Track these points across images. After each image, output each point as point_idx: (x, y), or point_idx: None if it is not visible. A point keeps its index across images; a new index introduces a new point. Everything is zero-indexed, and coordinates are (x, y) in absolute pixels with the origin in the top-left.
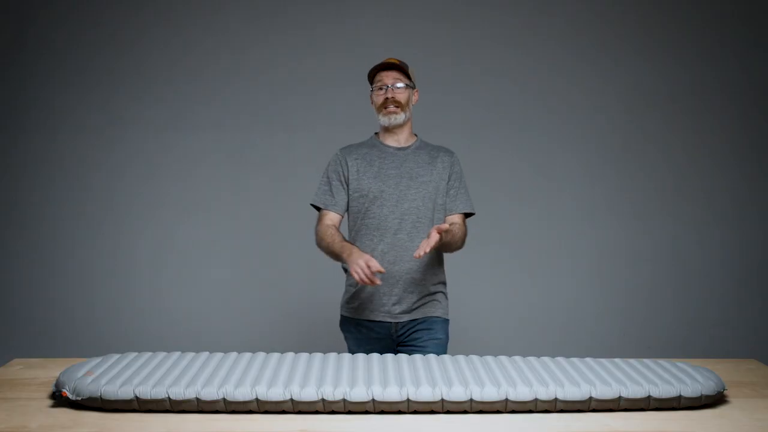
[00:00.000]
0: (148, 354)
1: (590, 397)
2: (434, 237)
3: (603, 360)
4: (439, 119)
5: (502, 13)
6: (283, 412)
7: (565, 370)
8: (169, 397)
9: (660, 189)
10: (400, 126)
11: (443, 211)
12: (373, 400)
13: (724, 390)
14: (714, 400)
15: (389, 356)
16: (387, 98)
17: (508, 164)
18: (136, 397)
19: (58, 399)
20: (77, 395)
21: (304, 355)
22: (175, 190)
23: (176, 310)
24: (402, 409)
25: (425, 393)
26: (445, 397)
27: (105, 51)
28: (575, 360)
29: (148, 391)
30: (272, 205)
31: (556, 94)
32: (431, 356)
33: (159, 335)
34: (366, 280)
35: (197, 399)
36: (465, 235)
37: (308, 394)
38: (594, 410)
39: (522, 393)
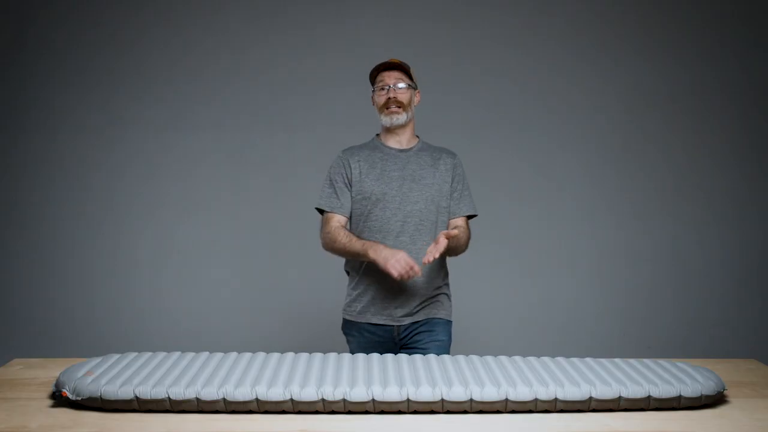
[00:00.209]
0: (148, 354)
1: (590, 397)
2: (443, 242)
3: (603, 360)
4: (439, 119)
5: (502, 13)
6: (283, 412)
7: (565, 370)
8: (169, 397)
9: (660, 189)
10: (402, 127)
11: (446, 213)
12: (373, 400)
13: (724, 390)
14: (714, 400)
15: (389, 356)
16: (389, 98)
17: (508, 164)
18: (136, 397)
19: (58, 399)
20: (77, 395)
21: (304, 355)
22: (175, 190)
23: (176, 310)
24: (402, 409)
25: (425, 393)
26: (445, 397)
27: (105, 51)
28: (575, 360)
29: (148, 391)
30: (272, 205)
31: (556, 94)
32: (431, 356)
33: (159, 335)
34: (406, 276)
35: (197, 399)
36: (469, 238)
37: (308, 394)
38: (594, 410)
39: (522, 393)
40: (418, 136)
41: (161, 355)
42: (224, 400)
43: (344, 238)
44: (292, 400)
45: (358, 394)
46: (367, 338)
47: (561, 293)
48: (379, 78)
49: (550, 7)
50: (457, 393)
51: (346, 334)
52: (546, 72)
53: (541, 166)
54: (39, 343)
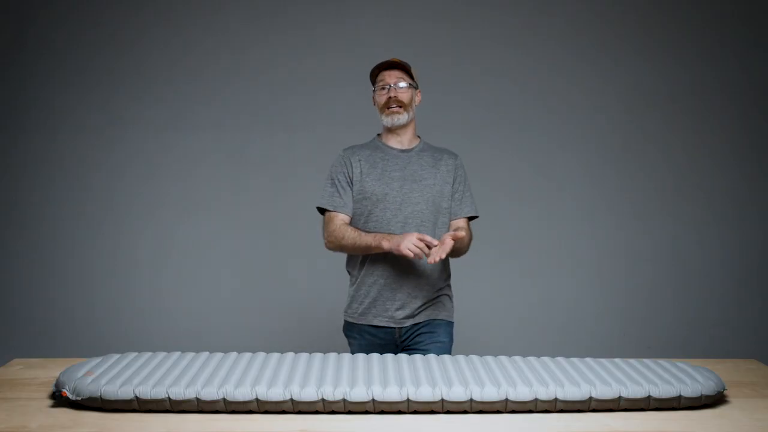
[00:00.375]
0: (148, 354)
1: (590, 397)
2: (449, 243)
3: (603, 360)
4: (439, 119)
5: (502, 13)
6: (283, 412)
7: (565, 370)
8: (169, 397)
9: (660, 189)
10: (403, 126)
11: (447, 214)
12: (373, 400)
13: (724, 390)
14: (714, 400)
15: (389, 356)
16: (390, 98)
17: (508, 164)
18: (136, 397)
19: (58, 399)
20: (77, 395)
21: (304, 355)
22: (175, 190)
23: (176, 310)
24: (402, 409)
25: (425, 393)
26: (445, 397)
27: (105, 51)
28: (575, 360)
29: (148, 391)
30: (272, 205)
31: (556, 94)
32: (431, 356)
33: (159, 335)
34: (421, 254)
35: (197, 399)
36: (471, 239)
37: (308, 394)
38: (594, 410)
39: (522, 393)
40: (419, 137)
41: (161, 355)
42: (224, 400)
43: (353, 233)
44: (292, 400)
45: (358, 394)
46: (368, 340)
47: (561, 293)
48: (379, 77)
49: (550, 7)
50: (457, 393)
51: (347, 336)
52: (546, 72)
53: (541, 166)
54: (39, 343)
